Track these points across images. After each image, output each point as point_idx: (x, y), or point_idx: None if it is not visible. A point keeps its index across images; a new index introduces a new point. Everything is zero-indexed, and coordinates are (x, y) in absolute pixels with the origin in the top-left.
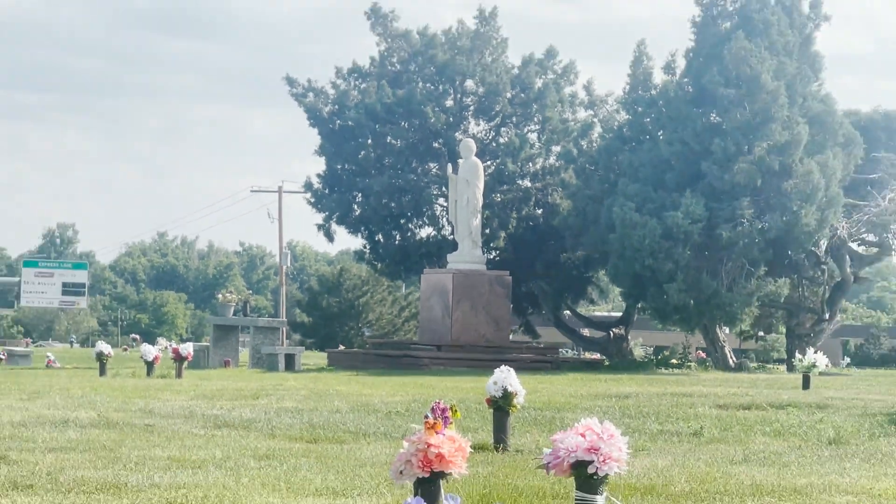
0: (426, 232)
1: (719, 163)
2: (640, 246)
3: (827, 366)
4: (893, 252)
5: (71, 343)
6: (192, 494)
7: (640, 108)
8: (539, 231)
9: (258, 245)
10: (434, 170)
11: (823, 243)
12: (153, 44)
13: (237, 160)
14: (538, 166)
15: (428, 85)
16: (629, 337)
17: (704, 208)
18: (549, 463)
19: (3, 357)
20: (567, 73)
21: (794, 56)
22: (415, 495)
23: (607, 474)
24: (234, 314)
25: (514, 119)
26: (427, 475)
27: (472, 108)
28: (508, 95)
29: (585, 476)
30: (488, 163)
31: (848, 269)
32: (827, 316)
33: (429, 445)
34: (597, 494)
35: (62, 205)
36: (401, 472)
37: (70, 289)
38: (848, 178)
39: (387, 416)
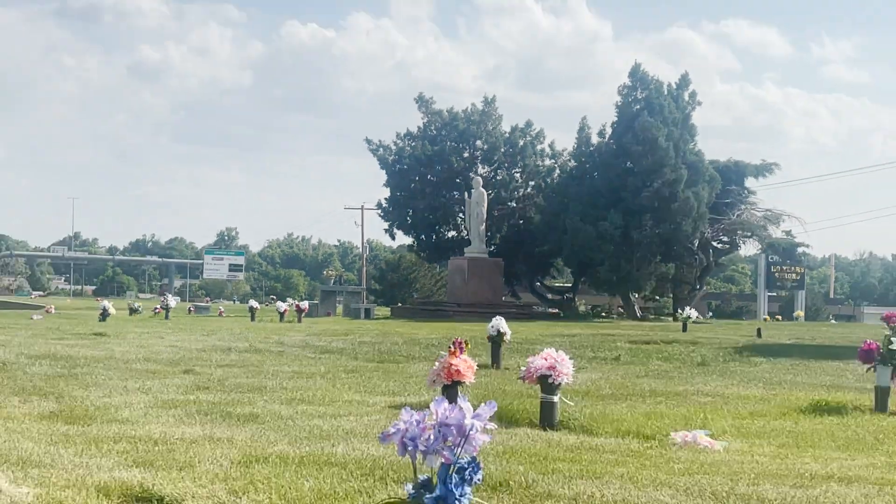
0: (451, 234)
1: (631, 193)
2: (582, 243)
3: (697, 317)
4: (739, 248)
5: (233, 301)
6: (307, 393)
7: (583, 159)
8: (521, 233)
9: (349, 241)
10: (456, 196)
11: (696, 242)
12: (284, 117)
13: (336, 189)
14: (520, 194)
15: (452, 143)
16: (576, 299)
17: (622, 220)
18: (524, 376)
19: (193, 309)
20: (539, 136)
21: (678, 126)
22: (442, 395)
23: (560, 383)
24: (334, 284)
25: (506, 165)
26: (450, 383)
27: (479, 157)
28: (502, 150)
29: (547, 384)
30: (490, 192)
31: (711, 258)
32: (698, 287)
33: (451, 364)
34: (554, 395)
35: (229, 215)
36: (433, 381)
37: (233, 267)
38: (711, 202)
39: (426, 347)
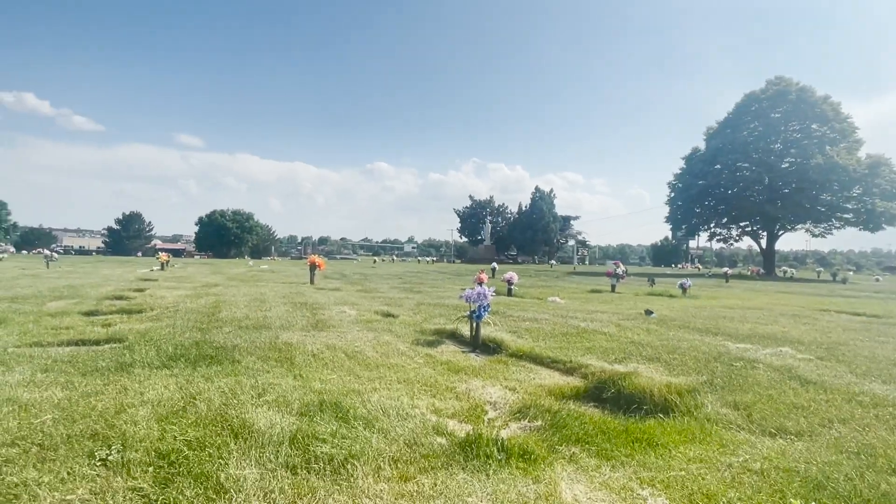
0: (479, 237)
1: (535, 227)
2: (518, 242)
3: (555, 264)
4: (567, 242)
5: (417, 260)
6: (436, 284)
7: (520, 216)
8: (500, 239)
9: (450, 239)
10: (481, 226)
11: (555, 240)
12: (427, 202)
13: (446, 222)
14: (500, 226)
15: (479, 210)
16: (518, 258)
17: (532, 235)
18: (502, 280)
19: (392, 259)
20: (506, 207)
21: (550, 204)
22: (478, 285)
23: (514, 282)
24: (443, 254)
25: (496, 216)
26: (479, 282)
27: (488, 213)
28: (495, 211)
29: (509, 283)
30: (491, 225)
31: (558, 244)
32: (556, 253)
33: (480, 277)
34: (513, 286)
35: (412, 233)
36: (474, 281)
37: (412, 247)
38: (559, 227)
39: (471, 272)
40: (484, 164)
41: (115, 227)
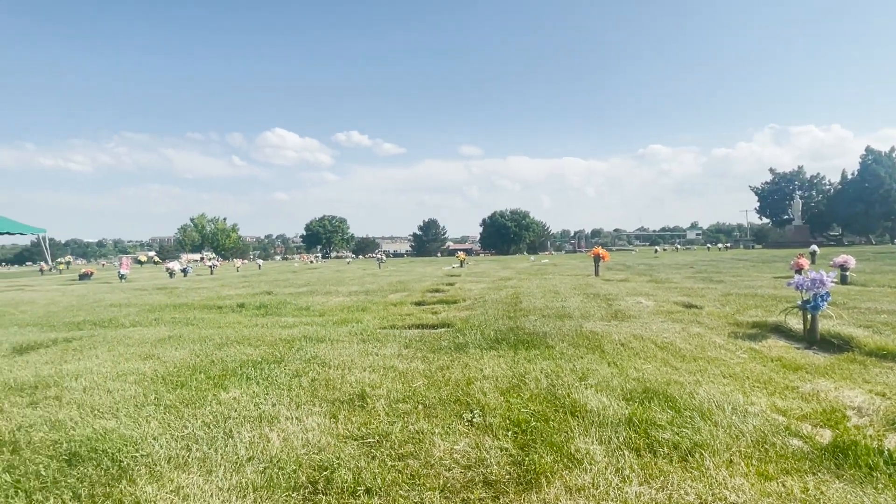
0: (785, 217)
1: (869, 197)
2: (843, 218)
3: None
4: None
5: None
6: (745, 277)
7: (842, 186)
8: (813, 216)
9: (740, 223)
10: (788, 203)
11: None
12: (719, 182)
13: (737, 204)
14: (817, 199)
15: (783, 184)
16: (844, 240)
17: (863, 207)
18: (834, 264)
19: (675, 248)
20: (822, 178)
21: (890, 168)
22: (798, 273)
23: (849, 267)
24: (739, 238)
25: (811, 187)
26: (798, 269)
27: (796, 188)
28: (805, 183)
29: (843, 267)
30: (801, 201)
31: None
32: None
33: (798, 262)
34: (846, 273)
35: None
36: (791, 267)
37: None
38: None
39: (783, 258)
40: (784, 128)
41: (418, 232)
